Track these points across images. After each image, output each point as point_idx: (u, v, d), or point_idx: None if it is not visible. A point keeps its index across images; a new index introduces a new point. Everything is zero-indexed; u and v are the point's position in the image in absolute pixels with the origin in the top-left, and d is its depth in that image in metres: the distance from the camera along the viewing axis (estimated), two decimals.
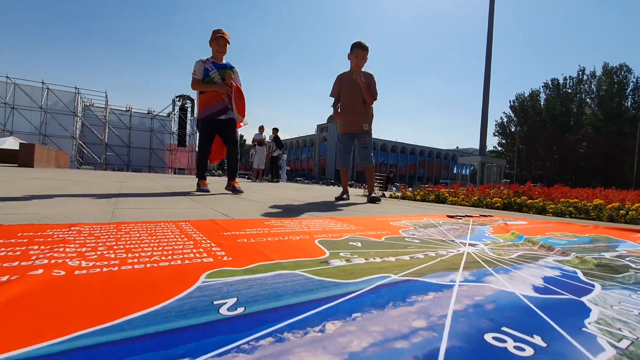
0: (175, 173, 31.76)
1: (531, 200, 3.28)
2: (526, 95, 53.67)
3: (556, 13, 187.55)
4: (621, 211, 2.82)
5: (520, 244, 1.20)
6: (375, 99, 3.38)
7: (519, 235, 1.36)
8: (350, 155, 3.51)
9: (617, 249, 1.21)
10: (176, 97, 35.52)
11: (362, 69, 3.32)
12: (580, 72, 49.36)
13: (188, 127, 35.33)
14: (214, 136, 3.26)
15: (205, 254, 0.80)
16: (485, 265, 0.84)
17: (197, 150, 3.53)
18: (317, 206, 2.49)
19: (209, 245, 0.90)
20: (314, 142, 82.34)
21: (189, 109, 35.65)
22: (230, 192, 3.21)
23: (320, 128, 79.88)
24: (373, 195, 3.25)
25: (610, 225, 1.90)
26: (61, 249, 0.76)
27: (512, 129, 54.35)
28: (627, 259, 1.03)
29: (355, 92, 3.32)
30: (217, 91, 3.12)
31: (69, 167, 19.90)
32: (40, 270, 0.60)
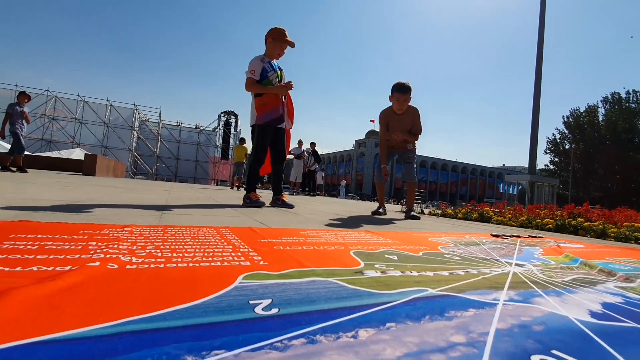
0: (217, 184, 33.26)
1: (589, 223, 3.00)
2: (582, 111, 49.83)
3: (612, 22, 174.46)
4: None
5: (575, 267, 1.10)
6: (420, 134, 3.27)
7: (574, 258, 1.25)
8: (388, 168, 3.46)
9: None
10: (222, 112, 37.52)
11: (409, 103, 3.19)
12: None
13: (231, 141, 36.97)
14: (269, 143, 2.98)
15: (242, 258, 0.82)
16: (534, 286, 0.78)
17: (250, 158, 3.00)
18: (353, 220, 2.47)
19: (246, 250, 0.93)
20: (352, 157, 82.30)
21: (233, 124, 37.41)
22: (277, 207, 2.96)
23: (358, 143, 79.88)
24: (412, 213, 3.16)
25: None
26: (115, 246, 0.83)
27: (566, 147, 50.48)
28: None
29: (401, 130, 3.21)
30: (277, 95, 2.87)
31: (125, 176, 21.62)
32: (97, 263, 0.66)
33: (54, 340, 0.36)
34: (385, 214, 3.37)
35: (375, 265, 0.86)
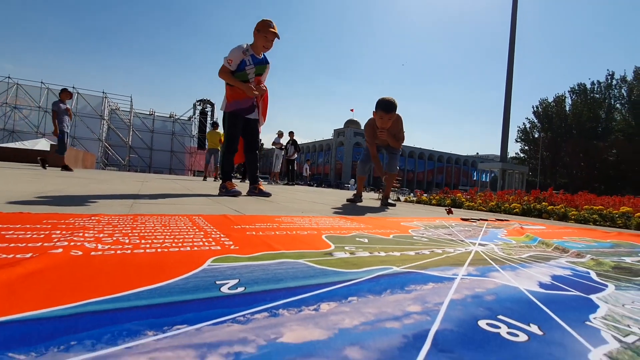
0: (194, 175, 32.50)
1: (552, 207, 3.18)
2: (550, 101, 51.97)
3: (581, 15, 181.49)
4: None
5: (533, 246, 1.18)
6: (403, 141, 3.29)
7: (534, 238, 1.33)
8: (370, 165, 3.50)
9: None
10: (197, 101, 36.48)
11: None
12: (609, 77, 47.44)
13: (208, 130, 36.07)
14: (240, 130, 2.94)
15: (213, 243, 0.82)
16: (492, 263, 0.83)
17: (223, 147, 2.98)
18: (330, 207, 2.51)
19: (218, 235, 0.93)
20: (331, 147, 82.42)
21: (209, 113, 36.47)
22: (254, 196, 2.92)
23: (337, 132, 79.96)
24: (389, 201, 3.25)
25: (638, 233, 1.82)
26: (80, 234, 0.81)
27: (536, 135, 52.68)
28: None
29: (385, 141, 3.22)
30: (249, 85, 2.79)
31: (95, 167, 20.73)
32: (60, 250, 0.64)
33: (10, 322, 0.36)
34: (362, 201, 3.43)
35: (345, 248, 0.89)
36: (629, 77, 46.32)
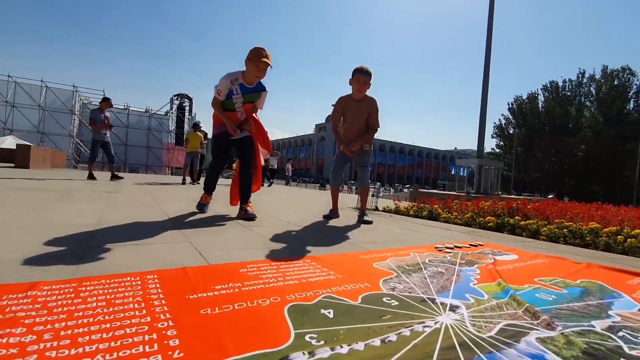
0: (172, 172, 31.82)
1: (525, 222, 3.23)
2: (524, 98, 53.65)
3: (556, 16, 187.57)
4: (619, 237, 2.76)
5: (504, 305, 1.15)
6: (377, 128, 3.29)
7: (505, 288, 1.30)
8: (343, 174, 3.46)
9: (610, 311, 1.16)
10: (174, 95, 35.49)
11: (366, 93, 3.20)
12: (580, 75, 49.35)
13: (186, 126, 35.21)
14: (226, 153, 2.99)
15: (155, 346, 0.73)
16: (461, 356, 0.78)
17: (209, 165, 3.14)
18: (306, 232, 2.43)
19: (165, 325, 0.83)
20: (312, 142, 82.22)
21: (187, 108, 35.58)
22: (241, 219, 2.80)
23: (319, 127, 79.75)
24: (365, 218, 3.20)
25: (605, 265, 1.85)
26: (4, 340, 0.70)
27: (511, 131, 54.36)
28: (620, 333, 0.97)
29: (356, 120, 3.21)
30: (234, 113, 2.81)
31: (66, 166, 19.84)
32: None
33: None
34: (338, 217, 3.39)
35: (306, 338, 0.82)
36: (597, 76, 48.34)
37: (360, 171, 3.34)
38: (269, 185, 13.47)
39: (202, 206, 3.04)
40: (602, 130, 46.14)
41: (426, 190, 32.37)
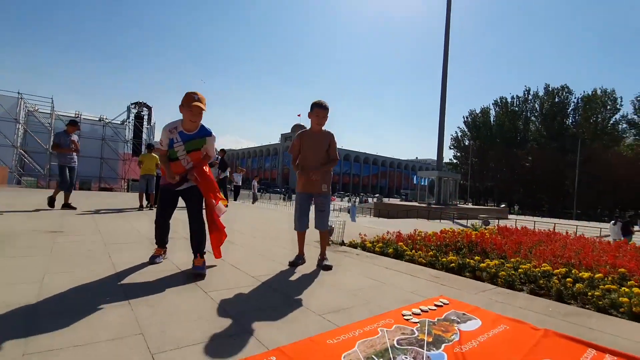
0: (128, 185, 30.18)
1: (484, 264, 3.34)
2: (478, 112, 57.32)
3: (504, 35, 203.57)
4: (568, 279, 2.94)
5: None
6: (336, 161, 3.43)
7: None
8: (308, 215, 3.39)
9: None
10: (131, 104, 33.79)
11: (323, 127, 3.30)
12: (525, 92, 53.68)
13: (144, 135, 33.60)
14: (172, 205, 2.88)
15: None
16: None
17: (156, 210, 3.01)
18: (265, 297, 2.31)
19: None
20: (278, 151, 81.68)
21: (146, 117, 34.02)
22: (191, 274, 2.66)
23: (284, 137, 79.49)
24: (325, 263, 3.19)
25: (560, 333, 1.92)
26: None
27: (466, 143, 57.69)
28: None
29: (315, 152, 3.26)
30: (178, 162, 2.71)
31: (8, 181, 18.06)
32: None
33: None
34: (304, 262, 3.31)
35: None
36: (541, 93, 52.84)
37: (319, 216, 3.33)
38: (234, 200, 13.05)
39: (153, 258, 2.95)
40: (546, 143, 50.36)
41: (390, 202, 33.11)
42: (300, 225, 3.34)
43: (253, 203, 15.52)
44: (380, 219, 23.80)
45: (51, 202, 6.41)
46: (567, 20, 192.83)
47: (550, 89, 51.37)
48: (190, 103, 2.54)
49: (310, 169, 3.20)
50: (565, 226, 16.08)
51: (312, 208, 3.39)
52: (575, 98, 49.91)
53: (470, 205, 36.40)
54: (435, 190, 30.20)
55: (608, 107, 46.95)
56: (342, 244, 4.60)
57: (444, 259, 3.61)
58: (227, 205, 3.09)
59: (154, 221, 2.93)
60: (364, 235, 4.70)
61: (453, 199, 31.83)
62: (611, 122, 47.31)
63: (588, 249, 4.29)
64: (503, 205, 42.02)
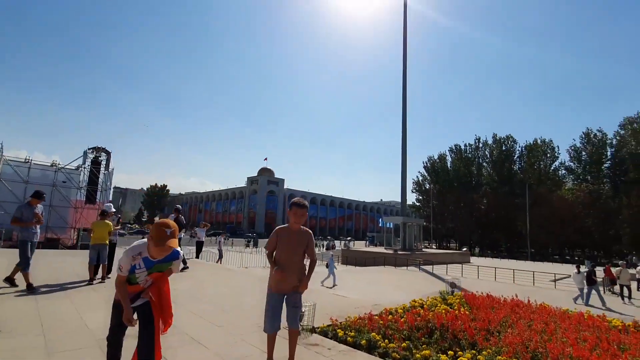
0: (79, 235, 27.95)
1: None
2: (436, 158, 61.07)
3: (456, 87, 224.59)
4: None
5: None
6: (315, 264, 3.34)
7: None
8: (280, 317, 3.26)
9: None
10: (89, 148, 32.38)
11: (301, 225, 3.27)
12: (476, 141, 58.37)
13: (100, 181, 31.90)
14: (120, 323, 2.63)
15: None
16: None
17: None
18: None
19: None
20: (244, 195, 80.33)
21: (104, 162, 32.57)
22: None
23: (251, 180, 78.69)
24: None
25: None
26: None
27: (427, 187, 60.55)
28: None
29: (293, 250, 3.20)
30: (138, 286, 2.51)
31: None
32: None
33: None
34: None
35: None
36: (490, 141, 57.67)
37: (291, 312, 3.20)
38: (197, 257, 12.18)
39: None
40: (498, 187, 54.15)
41: (357, 250, 33.14)
42: (272, 327, 3.19)
43: (219, 261, 14.74)
44: (349, 267, 23.62)
45: (11, 283, 5.76)
46: (510, 75, 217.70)
47: (497, 138, 56.30)
48: (164, 242, 2.29)
49: (286, 267, 3.13)
50: (524, 273, 16.87)
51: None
52: (519, 147, 54.96)
53: (434, 250, 37.33)
54: (400, 235, 30.84)
55: (548, 154, 52.03)
56: (313, 330, 4.43)
57: (418, 355, 3.58)
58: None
59: (108, 325, 2.58)
60: (335, 319, 4.57)
61: (418, 242, 32.59)
62: (552, 168, 52.22)
63: (551, 327, 4.47)
64: (465, 249, 43.61)
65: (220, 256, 15.66)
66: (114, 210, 8.23)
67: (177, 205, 10.14)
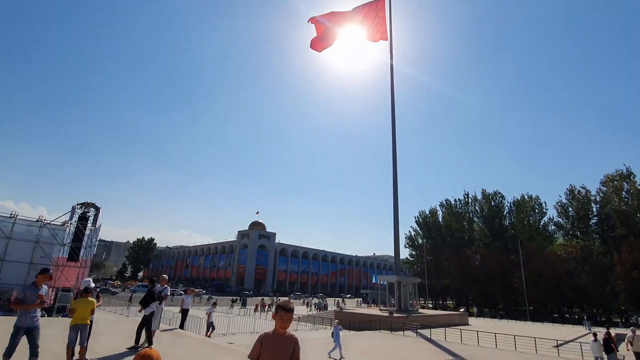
0: (56, 296, 26.49)
1: None
2: (427, 212, 61.50)
3: (444, 143, 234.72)
4: None
5: None
6: None
7: None
8: None
9: None
10: (78, 204, 32.04)
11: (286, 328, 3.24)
12: (465, 196, 59.45)
13: (86, 238, 31.05)
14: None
15: None
16: None
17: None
18: None
19: None
20: (234, 249, 78.18)
21: (91, 218, 32.02)
22: None
23: (242, 234, 77.11)
24: None
25: None
26: None
27: (420, 242, 60.11)
28: None
29: (280, 351, 3.13)
30: None
31: None
32: None
33: None
34: None
35: None
36: (479, 197, 58.78)
37: None
38: (180, 328, 11.22)
39: None
40: (490, 243, 54.03)
41: (351, 312, 31.87)
42: None
43: (208, 334, 13.75)
44: (344, 333, 22.40)
45: None
46: (495, 132, 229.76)
47: (486, 193, 57.54)
48: None
49: None
50: (525, 339, 16.25)
51: None
52: (508, 202, 56.04)
53: (431, 311, 36.05)
54: (395, 295, 29.86)
55: (536, 210, 52.96)
56: None
57: None
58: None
59: None
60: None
61: (413, 300, 31.48)
62: (541, 223, 52.82)
63: None
64: (462, 310, 42.24)
65: (212, 328, 14.43)
66: (93, 284, 7.74)
67: (153, 277, 9.60)
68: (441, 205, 61.55)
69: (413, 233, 61.66)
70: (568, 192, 50.22)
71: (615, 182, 45.59)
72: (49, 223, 29.18)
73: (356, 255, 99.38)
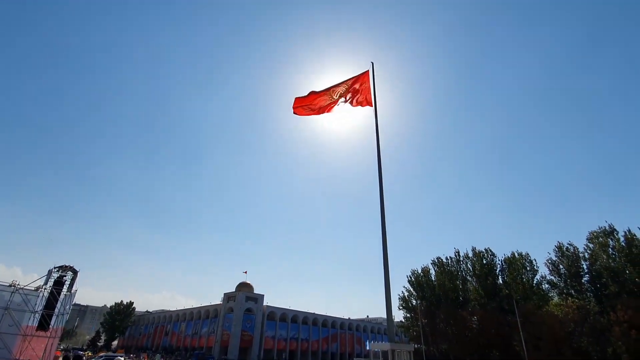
0: None
1: None
2: (419, 271, 60.11)
3: (435, 197, 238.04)
4: None
5: None
6: None
7: None
8: None
9: None
10: (55, 267, 30.73)
11: None
12: (456, 254, 58.81)
13: (59, 304, 29.29)
14: None
15: None
16: None
17: None
18: None
19: None
20: (219, 313, 73.37)
21: (67, 283, 30.53)
22: None
23: (227, 297, 72.88)
24: None
25: None
26: None
27: (413, 303, 57.79)
28: None
29: None
30: None
31: None
32: None
33: None
34: None
35: None
36: (470, 254, 58.22)
37: None
38: None
39: None
40: (486, 303, 52.21)
41: None
42: None
43: None
44: None
45: None
46: (478, 190, 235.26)
47: (477, 251, 57.13)
48: None
49: None
50: None
51: None
52: (499, 260, 55.48)
53: None
54: None
55: (528, 268, 52.39)
56: None
57: None
58: None
59: None
60: None
61: None
62: (535, 282, 51.91)
63: None
64: None
65: None
66: (81, 353, 7.51)
67: (78, 353, 9.19)
68: (433, 263, 60.53)
69: (406, 294, 59.61)
70: (557, 249, 50.32)
71: (601, 239, 46.13)
72: (21, 288, 27.79)
73: (349, 318, 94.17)
